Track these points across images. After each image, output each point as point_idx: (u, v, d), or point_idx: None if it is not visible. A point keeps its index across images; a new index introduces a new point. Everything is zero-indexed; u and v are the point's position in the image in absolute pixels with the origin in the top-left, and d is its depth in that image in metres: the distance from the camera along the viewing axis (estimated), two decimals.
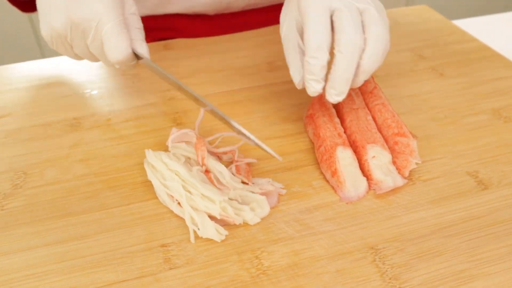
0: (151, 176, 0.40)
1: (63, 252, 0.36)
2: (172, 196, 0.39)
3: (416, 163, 0.41)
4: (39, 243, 0.37)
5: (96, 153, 0.46)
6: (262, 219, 0.38)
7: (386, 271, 0.34)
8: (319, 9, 0.39)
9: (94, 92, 0.55)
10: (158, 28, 0.69)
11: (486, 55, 0.60)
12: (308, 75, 0.40)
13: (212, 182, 0.39)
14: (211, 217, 0.37)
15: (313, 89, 0.40)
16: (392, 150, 0.42)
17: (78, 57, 0.48)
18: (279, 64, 0.59)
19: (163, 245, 0.36)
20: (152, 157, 0.41)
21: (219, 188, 0.39)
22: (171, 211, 0.39)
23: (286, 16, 0.43)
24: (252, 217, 0.37)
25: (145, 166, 0.41)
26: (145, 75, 0.58)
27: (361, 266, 0.34)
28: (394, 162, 0.41)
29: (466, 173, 0.42)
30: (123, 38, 0.43)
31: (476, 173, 0.42)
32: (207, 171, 0.40)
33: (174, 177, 0.39)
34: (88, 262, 0.35)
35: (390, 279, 0.33)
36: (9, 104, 0.54)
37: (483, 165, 0.43)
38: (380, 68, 0.58)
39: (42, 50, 1.65)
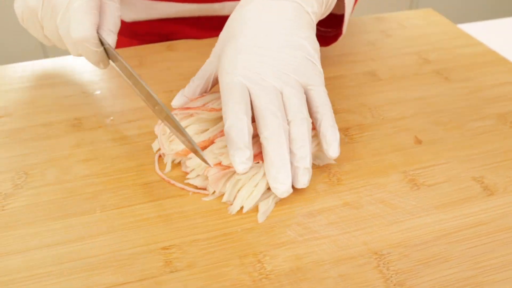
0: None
1: (63, 253, 0.36)
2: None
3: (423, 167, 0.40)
4: (39, 244, 0.36)
5: (97, 154, 0.45)
6: (265, 222, 0.37)
7: (391, 277, 0.33)
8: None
9: (97, 92, 0.55)
10: (147, 33, 0.69)
11: (491, 60, 0.60)
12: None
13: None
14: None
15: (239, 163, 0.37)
16: None
17: (47, 39, 0.46)
18: None
19: (164, 248, 0.36)
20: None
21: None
22: (172, 213, 0.38)
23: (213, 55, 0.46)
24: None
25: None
26: (148, 76, 0.57)
27: (364, 271, 0.34)
28: None
29: (472, 178, 0.41)
30: (89, 17, 0.41)
31: (481, 178, 0.41)
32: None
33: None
34: (88, 264, 0.35)
35: (394, 285, 0.33)
36: (11, 104, 0.53)
37: (489, 171, 0.42)
38: (384, 71, 0.58)
39: (45, 50, 1.66)
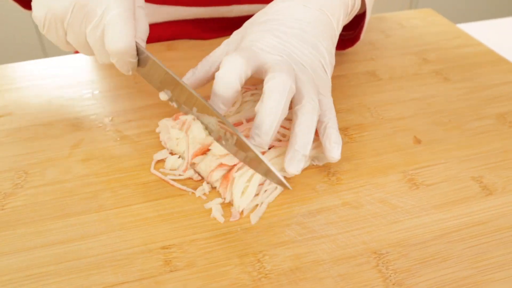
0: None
1: (62, 253, 0.36)
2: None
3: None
4: (38, 243, 0.36)
5: (97, 153, 0.45)
6: (265, 222, 0.38)
7: (390, 276, 0.33)
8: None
9: (96, 92, 0.55)
10: (150, 37, 0.69)
11: (491, 60, 0.60)
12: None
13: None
14: None
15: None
16: None
17: (68, 46, 0.43)
18: None
19: (163, 247, 0.36)
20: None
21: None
22: (172, 213, 0.39)
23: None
24: None
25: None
26: None
27: (364, 271, 0.34)
28: None
29: (471, 178, 0.42)
30: (129, 27, 0.39)
31: (480, 178, 0.41)
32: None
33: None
34: (88, 263, 0.35)
35: (393, 284, 0.33)
36: (11, 103, 0.53)
37: (487, 171, 0.42)
38: (384, 71, 0.58)
39: (44, 49, 1.66)
